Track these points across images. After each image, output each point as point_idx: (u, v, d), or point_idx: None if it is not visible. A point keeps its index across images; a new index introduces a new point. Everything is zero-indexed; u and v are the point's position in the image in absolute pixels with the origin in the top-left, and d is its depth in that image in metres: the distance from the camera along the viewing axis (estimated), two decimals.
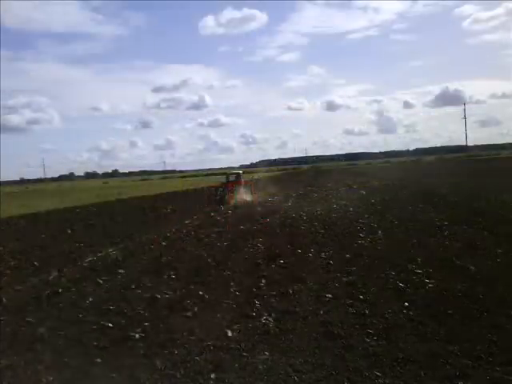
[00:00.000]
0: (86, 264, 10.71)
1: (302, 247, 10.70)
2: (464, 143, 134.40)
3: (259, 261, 9.59)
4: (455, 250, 9.23)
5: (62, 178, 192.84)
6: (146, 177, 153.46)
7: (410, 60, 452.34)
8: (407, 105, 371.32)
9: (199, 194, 34.98)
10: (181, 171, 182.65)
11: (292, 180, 53.08)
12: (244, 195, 25.54)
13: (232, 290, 7.54)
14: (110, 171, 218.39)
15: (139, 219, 19.93)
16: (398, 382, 4.19)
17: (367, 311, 6.04)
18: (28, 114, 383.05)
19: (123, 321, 6.36)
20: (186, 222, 17.80)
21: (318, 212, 17.50)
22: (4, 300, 7.79)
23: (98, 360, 5.09)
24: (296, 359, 4.77)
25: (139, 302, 7.15)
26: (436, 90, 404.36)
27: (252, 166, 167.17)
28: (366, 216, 15.32)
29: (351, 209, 17.80)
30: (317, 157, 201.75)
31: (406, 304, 6.18)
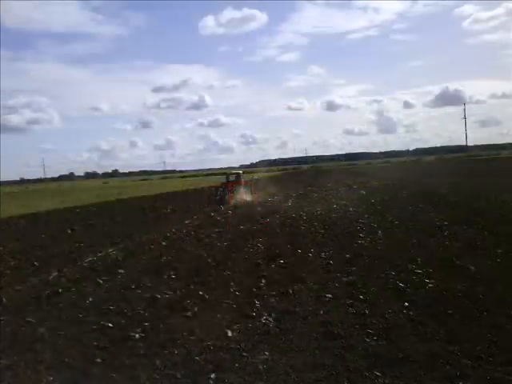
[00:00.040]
0: (85, 264, 10.72)
1: (302, 247, 10.71)
2: (464, 143, 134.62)
3: (259, 261, 9.59)
4: (455, 249, 9.23)
5: (62, 178, 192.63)
6: (146, 177, 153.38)
7: (410, 60, 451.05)
8: (407, 105, 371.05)
9: (199, 194, 35.00)
10: (181, 171, 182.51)
11: (292, 180, 53.07)
12: (244, 195, 25.57)
13: (232, 290, 7.54)
14: (110, 171, 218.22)
15: (139, 219, 19.94)
16: (397, 382, 4.19)
17: (367, 311, 6.04)
18: (28, 114, 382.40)
19: (123, 321, 6.36)
20: (186, 221, 17.81)
21: (318, 212, 17.51)
22: (4, 300, 7.79)
23: (98, 360, 5.09)
24: (296, 359, 4.77)
25: (139, 302, 7.15)
26: (436, 90, 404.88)
27: (252, 166, 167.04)
28: (366, 216, 15.33)
29: (351, 209, 17.81)
30: (317, 157, 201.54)
31: (406, 304, 6.18)
